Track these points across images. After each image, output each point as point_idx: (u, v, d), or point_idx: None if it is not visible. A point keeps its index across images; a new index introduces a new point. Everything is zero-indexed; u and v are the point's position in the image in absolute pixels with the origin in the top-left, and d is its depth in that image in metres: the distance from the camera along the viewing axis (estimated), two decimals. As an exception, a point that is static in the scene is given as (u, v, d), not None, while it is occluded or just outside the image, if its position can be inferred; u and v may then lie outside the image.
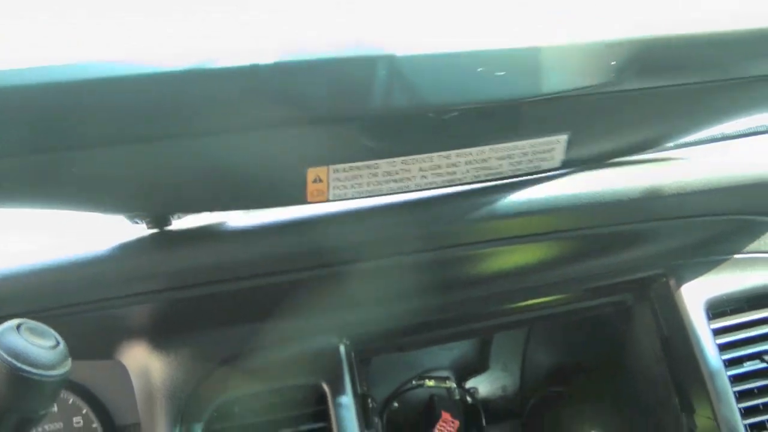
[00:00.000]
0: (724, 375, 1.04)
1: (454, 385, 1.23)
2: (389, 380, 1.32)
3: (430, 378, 1.21)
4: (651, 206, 1.02)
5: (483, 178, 0.94)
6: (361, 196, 0.91)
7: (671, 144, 1.11)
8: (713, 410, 1.03)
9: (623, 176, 1.01)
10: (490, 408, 1.38)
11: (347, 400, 1.01)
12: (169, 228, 0.99)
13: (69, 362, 0.76)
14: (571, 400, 1.32)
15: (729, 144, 1.14)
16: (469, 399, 1.34)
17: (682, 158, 1.08)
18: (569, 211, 0.98)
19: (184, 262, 0.93)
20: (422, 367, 1.31)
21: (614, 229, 1.04)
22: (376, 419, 1.17)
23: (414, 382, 1.21)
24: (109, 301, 0.96)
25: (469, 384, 1.36)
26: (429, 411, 1.19)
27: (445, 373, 1.28)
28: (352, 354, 1.07)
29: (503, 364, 1.39)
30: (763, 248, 1.12)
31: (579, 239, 1.04)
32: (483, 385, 1.38)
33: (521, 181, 0.98)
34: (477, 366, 1.38)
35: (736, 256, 1.11)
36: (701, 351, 1.05)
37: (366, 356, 1.13)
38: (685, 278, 1.09)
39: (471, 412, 1.33)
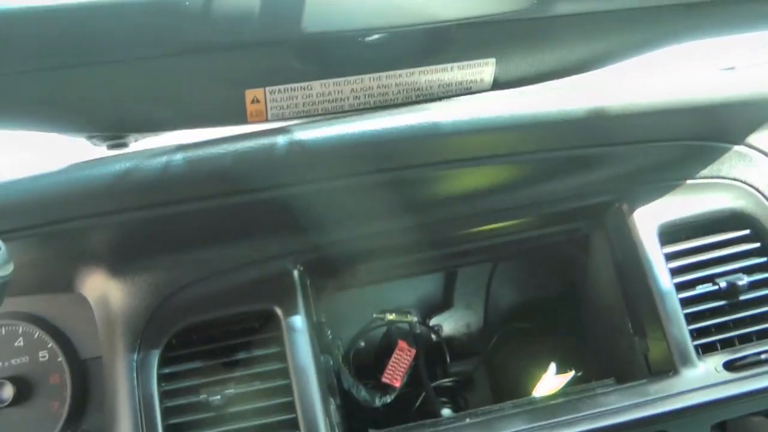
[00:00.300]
0: (674, 298, 1.06)
1: (415, 319, 1.24)
2: (356, 323, 1.33)
3: (391, 312, 1.22)
4: (598, 128, 1.02)
5: (414, 99, 0.96)
6: (299, 116, 0.94)
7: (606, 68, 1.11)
8: (664, 332, 1.04)
9: (567, 98, 1.01)
10: (454, 345, 1.39)
11: (300, 324, 1.02)
12: (127, 150, 1.00)
13: (11, 266, 0.77)
14: (532, 334, 1.34)
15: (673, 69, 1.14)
16: (433, 336, 1.35)
17: (627, 83, 1.08)
18: (515, 131, 0.99)
19: (137, 181, 0.93)
20: (387, 307, 1.32)
21: (565, 153, 1.05)
22: (341, 358, 1.19)
23: (375, 315, 1.22)
24: (67, 222, 0.97)
25: (434, 321, 1.38)
26: (386, 341, 1.20)
27: (408, 310, 1.28)
28: (308, 281, 1.09)
29: (467, 301, 1.40)
30: (716, 173, 1.13)
31: (530, 163, 1.05)
32: (447, 323, 1.39)
33: (467, 102, 0.99)
34: (441, 303, 1.39)
35: (689, 181, 1.12)
36: (653, 275, 1.07)
37: (323, 285, 1.15)
38: (638, 203, 1.10)
39: (435, 350, 1.35)
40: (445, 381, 1.32)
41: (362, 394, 1.18)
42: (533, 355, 1.27)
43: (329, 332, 1.15)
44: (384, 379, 1.15)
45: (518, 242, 1.17)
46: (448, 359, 1.35)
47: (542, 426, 0.97)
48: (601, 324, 1.21)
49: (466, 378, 1.35)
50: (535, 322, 1.35)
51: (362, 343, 1.30)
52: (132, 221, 0.97)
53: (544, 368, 1.20)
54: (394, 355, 1.17)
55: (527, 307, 1.39)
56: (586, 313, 1.27)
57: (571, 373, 1.11)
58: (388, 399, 1.20)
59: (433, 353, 1.35)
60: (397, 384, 1.15)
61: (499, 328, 1.38)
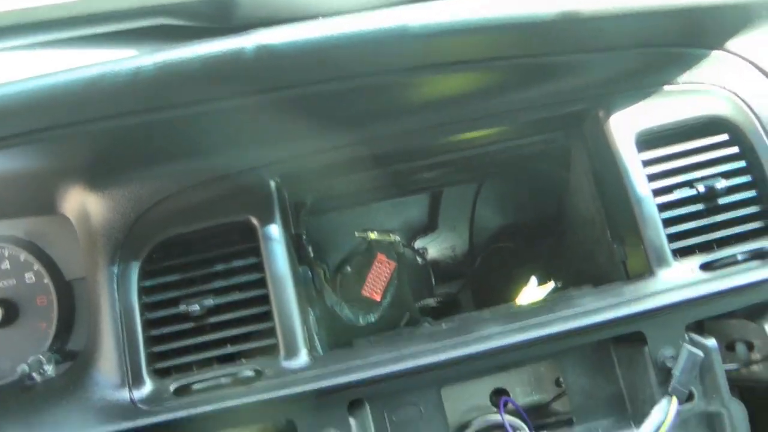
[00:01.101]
0: (652, 202, 1.05)
1: (398, 238, 1.24)
2: (342, 248, 1.33)
3: (373, 231, 1.23)
4: (570, 33, 1.01)
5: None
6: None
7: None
8: (641, 237, 1.04)
9: (537, 1, 1.00)
10: (439, 268, 1.40)
11: (277, 235, 1.03)
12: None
13: None
14: (516, 254, 1.34)
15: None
16: (418, 259, 1.36)
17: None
18: (484, 34, 0.98)
19: (108, 88, 0.93)
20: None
21: (537, 60, 1.04)
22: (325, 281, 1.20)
23: (357, 234, 1.22)
24: (41, 132, 0.97)
25: (419, 244, 1.38)
26: (368, 259, 1.20)
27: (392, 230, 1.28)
28: (285, 194, 1.09)
29: (452, 224, 1.40)
30: (694, 79, 1.12)
31: (501, 70, 1.04)
32: (432, 246, 1.40)
33: (436, 5, 0.97)
34: (426, 226, 1.39)
35: (667, 87, 1.11)
36: (630, 181, 1.06)
37: (302, 200, 1.15)
38: (615, 111, 1.09)
39: (420, 272, 1.35)
40: (430, 301, 1.33)
41: (345, 312, 1.19)
42: (517, 274, 1.28)
43: (310, 249, 1.15)
44: (364, 293, 1.16)
45: (498, 154, 1.16)
46: (434, 281, 1.35)
47: (516, 328, 0.98)
48: (582, 238, 1.21)
49: (452, 299, 1.36)
50: (519, 242, 1.35)
51: (349, 268, 1.30)
52: (106, 131, 0.97)
53: (527, 284, 1.21)
54: (374, 267, 1.18)
55: (511, 229, 1.40)
56: (568, 230, 1.27)
57: (551, 284, 1.12)
58: (372, 318, 1.21)
59: (418, 276, 1.35)
60: (378, 297, 1.16)
61: (483, 249, 1.38)
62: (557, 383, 1.09)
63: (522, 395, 1.09)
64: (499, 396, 1.06)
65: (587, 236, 1.19)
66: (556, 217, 1.33)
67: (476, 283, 1.37)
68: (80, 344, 1.13)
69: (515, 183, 1.39)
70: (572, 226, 1.25)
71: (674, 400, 0.96)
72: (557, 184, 1.29)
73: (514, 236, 1.38)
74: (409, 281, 1.24)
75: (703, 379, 0.99)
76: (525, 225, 1.38)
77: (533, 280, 1.13)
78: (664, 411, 0.96)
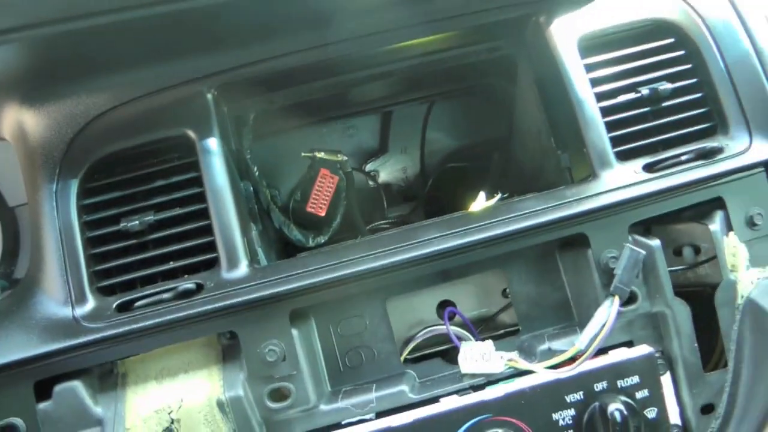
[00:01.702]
0: (594, 106, 1.04)
1: (344, 157, 1.22)
2: (293, 175, 1.31)
3: (320, 150, 1.21)
4: None
5: None
6: None
7: None
8: (584, 141, 1.03)
9: None
10: (391, 191, 1.39)
11: (215, 148, 1.01)
12: None
13: None
14: (468, 173, 1.33)
15: None
16: (370, 182, 1.34)
17: None
18: None
19: None
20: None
21: None
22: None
23: (303, 154, 1.20)
24: None
25: (370, 167, 1.37)
26: (311, 172, 1.18)
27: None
28: (224, 109, 1.07)
29: (403, 146, 1.39)
30: (637, -18, 1.10)
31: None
32: (384, 170, 1.39)
33: None
34: (376, 149, 1.38)
35: (610, -9, 1.09)
36: (572, 86, 1.05)
37: (243, 116, 1.13)
38: (556, 15, 1.07)
39: (372, 196, 1.34)
40: (382, 223, 1.32)
41: (294, 233, 1.18)
42: (468, 193, 1.26)
43: (256, 169, 1.13)
44: (308, 209, 1.14)
45: (442, 64, 1.14)
46: (386, 204, 1.34)
47: (459, 232, 0.97)
48: (530, 152, 1.20)
49: (403, 221, 1.35)
50: (471, 163, 1.34)
51: (298, 193, 1.28)
52: (43, 37, 0.94)
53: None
54: (317, 182, 1.16)
55: (463, 150, 1.38)
56: (517, 146, 1.26)
57: (498, 195, 1.10)
58: (322, 239, 1.20)
59: (370, 199, 1.34)
60: (322, 212, 1.15)
61: (435, 170, 1.37)
62: (503, 294, 1.09)
63: (468, 309, 1.08)
64: (445, 309, 1.05)
65: (535, 149, 1.18)
66: (506, 137, 1.31)
67: (428, 204, 1.35)
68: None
69: (465, 104, 1.37)
70: (521, 141, 1.24)
71: (616, 299, 0.96)
72: (506, 102, 1.27)
73: (466, 157, 1.36)
74: (357, 202, 1.23)
75: (647, 280, 0.99)
76: (476, 146, 1.37)
77: (482, 194, 1.12)
78: (607, 311, 0.96)
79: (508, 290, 1.07)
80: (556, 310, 1.04)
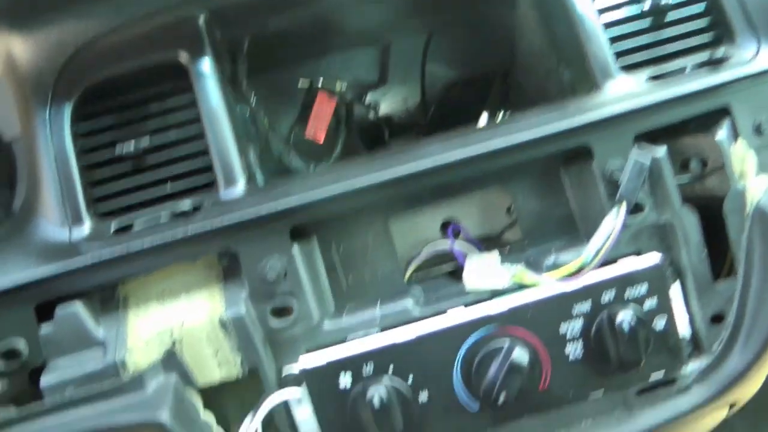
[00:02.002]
0: (596, 20, 1.03)
1: (344, 84, 1.19)
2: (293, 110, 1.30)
3: (318, 80, 1.18)
4: None
5: None
6: None
7: None
8: (587, 55, 1.01)
9: None
10: (392, 123, 1.37)
11: (209, 71, 1.00)
12: None
13: None
14: (470, 102, 1.31)
15: None
16: (370, 114, 1.32)
17: None
18: None
19: None
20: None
21: None
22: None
23: (301, 81, 1.18)
24: None
25: (370, 98, 1.34)
26: (309, 98, 1.16)
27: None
28: (218, 31, 1.05)
29: (402, 76, 1.36)
30: None
31: None
32: (384, 101, 1.36)
33: None
34: (376, 80, 1.35)
35: None
36: (572, 2, 1.03)
37: (237, 41, 1.11)
38: None
39: (373, 128, 1.32)
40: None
41: (294, 161, 1.16)
42: (470, 120, 1.25)
43: (253, 94, 1.12)
44: (307, 135, 1.13)
45: None
46: (387, 136, 1.32)
47: (460, 144, 0.95)
48: (533, 75, 1.18)
49: (405, 151, 1.33)
50: (472, 93, 1.32)
51: (298, 124, 1.26)
52: None
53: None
54: (315, 107, 1.14)
55: (464, 80, 1.36)
56: (519, 71, 1.24)
57: (500, 114, 1.09)
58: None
59: (370, 131, 1.32)
60: (321, 137, 1.13)
61: (436, 100, 1.35)
62: (508, 212, 1.07)
63: (472, 228, 1.07)
64: (448, 228, 1.04)
65: (538, 72, 1.16)
66: (508, 64, 1.29)
67: (429, 135, 1.33)
68: (23, 204, 1.11)
69: (465, 33, 1.35)
70: (522, 65, 1.22)
71: (623, 207, 0.94)
72: (507, 28, 1.25)
73: (467, 87, 1.34)
74: (358, 130, 1.21)
75: (654, 190, 0.97)
76: (477, 74, 1.35)
77: (484, 114, 1.10)
78: (613, 220, 0.94)
79: (512, 208, 1.05)
80: (562, 224, 1.03)
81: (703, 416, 1.03)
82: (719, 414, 1.08)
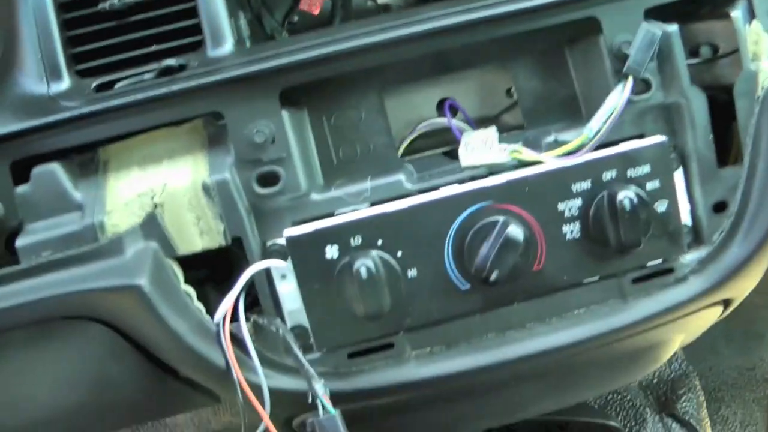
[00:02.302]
0: None
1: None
2: None
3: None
4: None
5: None
6: None
7: None
8: None
9: None
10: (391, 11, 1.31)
11: None
12: None
13: None
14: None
15: None
16: (368, 4, 1.26)
17: None
18: None
19: None
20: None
21: None
22: None
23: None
24: None
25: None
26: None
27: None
28: None
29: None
30: None
31: None
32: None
33: None
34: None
35: None
36: None
37: None
38: None
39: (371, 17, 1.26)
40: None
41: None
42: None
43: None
44: (302, 6, 1.07)
45: None
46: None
47: (459, 10, 0.90)
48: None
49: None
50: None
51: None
52: None
53: None
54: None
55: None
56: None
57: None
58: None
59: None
60: (316, 10, 1.07)
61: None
62: (508, 93, 1.03)
63: (470, 109, 1.02)
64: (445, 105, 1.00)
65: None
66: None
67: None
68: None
69: None
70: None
71: (629, 80, 0.89)
72: None
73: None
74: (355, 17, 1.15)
75: (662, 68, 0.92)
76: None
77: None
78: (619, 95, 0.90)
79: (512, 90, 1.01)
80: (564, 106, 0.98)
81: (698, 311, 1.00)
82: (714, 312, 1.06)
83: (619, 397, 1.41)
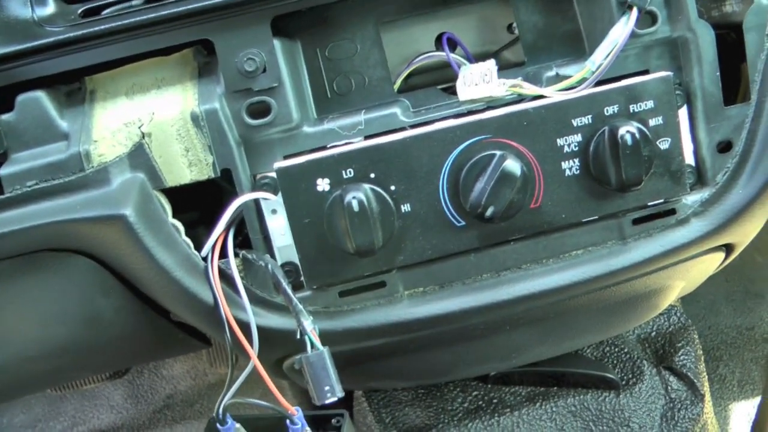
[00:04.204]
0: None
1: None
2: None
3: None
4: None
5: None
6: None
7: None
8: None
9: None
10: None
11: None
12: None
13: None
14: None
15: None
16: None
17: None
18: None
19: None
20: None
21: None
22: None
23: None
24: None
25: None
26: None
27: None
28: None
29: None
30: None
31: None
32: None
33: None
34: None
35: None
36: None
37: None
38: None
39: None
40: None
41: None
42: None
43: None
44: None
45: None
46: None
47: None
48: None
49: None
50: None
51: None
52: None
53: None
54: None
55: None
56: None
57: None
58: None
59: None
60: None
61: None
62: (509, 29, 1.00)
63: (470, 45, 0.99)
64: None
65: None
66: None
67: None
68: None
69: None
70: None
71: (633, 11, 0.86)
72: None
73: None
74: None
75: (668, 1, 0.89)
76: None
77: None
78: (623, 27, 0.87)
79: (513, 25, 0.98)
80: (567, 41, 0.95)
81: (699, 255, 0.98)
82: (715, 258, 1.03)
83: (616, 349, 1.40)
